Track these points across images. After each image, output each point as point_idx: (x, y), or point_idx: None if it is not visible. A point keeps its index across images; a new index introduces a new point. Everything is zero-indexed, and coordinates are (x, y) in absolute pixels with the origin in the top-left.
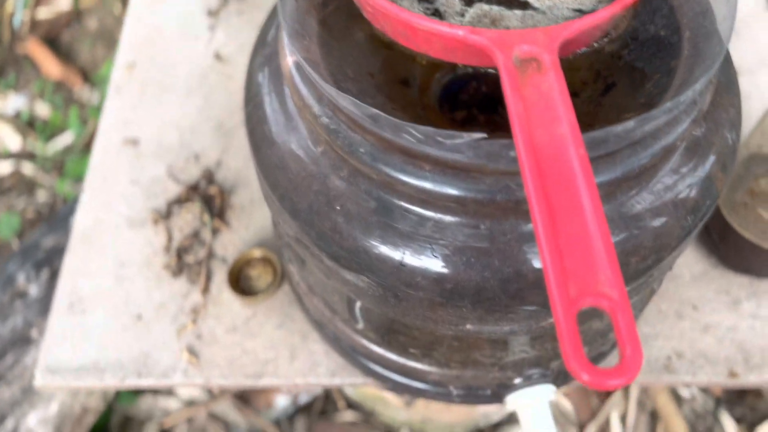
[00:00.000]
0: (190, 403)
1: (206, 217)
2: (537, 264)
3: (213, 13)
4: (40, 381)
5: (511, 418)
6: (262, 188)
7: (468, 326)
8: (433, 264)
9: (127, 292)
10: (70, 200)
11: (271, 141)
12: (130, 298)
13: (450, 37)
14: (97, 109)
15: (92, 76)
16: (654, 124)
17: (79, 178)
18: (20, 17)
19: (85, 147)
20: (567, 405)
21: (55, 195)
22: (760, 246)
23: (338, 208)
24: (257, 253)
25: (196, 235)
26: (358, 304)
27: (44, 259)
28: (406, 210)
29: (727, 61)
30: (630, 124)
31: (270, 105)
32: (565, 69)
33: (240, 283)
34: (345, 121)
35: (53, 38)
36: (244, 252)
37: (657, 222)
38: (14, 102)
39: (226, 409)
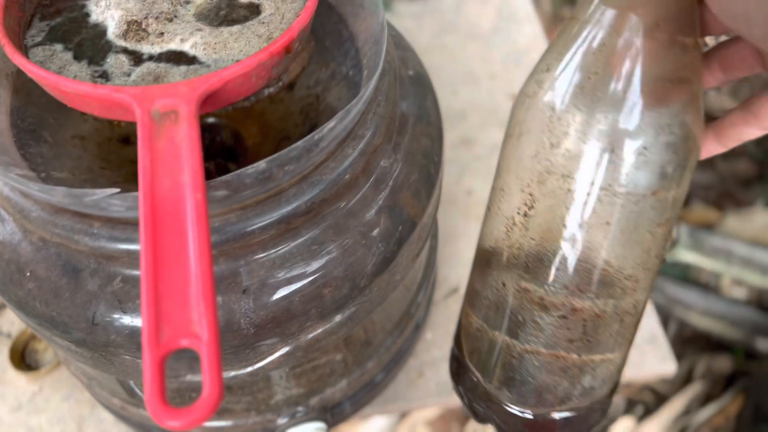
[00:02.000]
0: None
1: None
2: (234, 308)
3: None
4: None
5: None
6: None
7: (188, 377)
8: (125, 318)
9: None
10: None
11: None
12: None
13: (96, 96)
14: None
15: None
16: (294, 166)
17: None
18: None
19: None
20: None
21: None
22: None
23: (28, 275)
24: None
25: None
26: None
27: None
28: (93, 269)
29: (423, 88)
30: (261, 165)
31: None
32: (280, 115)
33: (26, 358)
34: (13, 188)
35: None
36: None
37: (345, 253)
38: None
39: None
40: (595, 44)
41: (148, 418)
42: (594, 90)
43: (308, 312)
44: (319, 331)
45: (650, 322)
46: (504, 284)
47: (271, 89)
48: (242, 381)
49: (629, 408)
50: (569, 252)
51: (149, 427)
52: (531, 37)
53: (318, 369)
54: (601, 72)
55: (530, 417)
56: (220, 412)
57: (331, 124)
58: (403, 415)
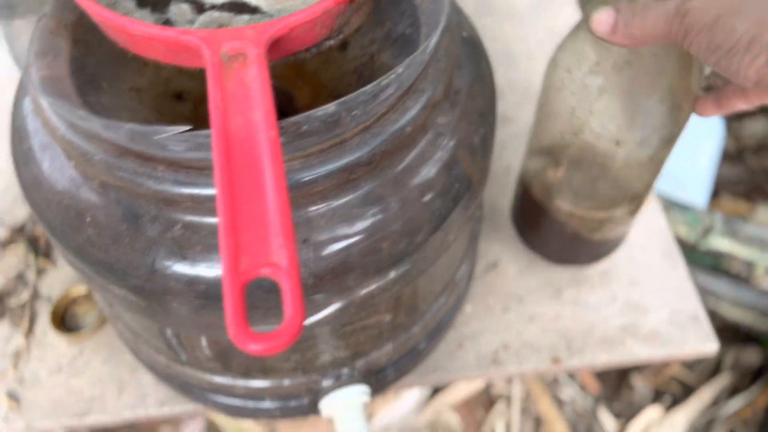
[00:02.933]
0: None
1: (31, 258)
2: None
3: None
4: None
5: None
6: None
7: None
8: (184, 266)
9: None
10: None
11: (29, 159)
12: None
13: (163, 38)
14: None
15: None
16: (362, 109)
17: None
18: None
19: None
20: (453, 419)
21: None
22: (565, 235)
23: (88, 220)
24: (82, 289)
25: (20, 277)
26: (147, 322)
27: None
28: (154, 216)
29: (477, 52)
30: (330, 107)
31: (30, 124)
32: (333, 75)
33: (66, 321)
34: (77, 130)
35: None
36: (69, 289)
37: (404, 207)
38: None
39: None
40: None
41: (192, 377)
42: None
43: (365, 266)
44: (374, 287)
45: (692, 302)
46: None
47: (332, 41)
48: (305, 334)
49: (656, 398)
50: None
51: (192, 386)
52: (568, 16)
53: (367, 330)
54: None
55: None
56: (266, 371)
57: (399, 70)
58: (431, 396)
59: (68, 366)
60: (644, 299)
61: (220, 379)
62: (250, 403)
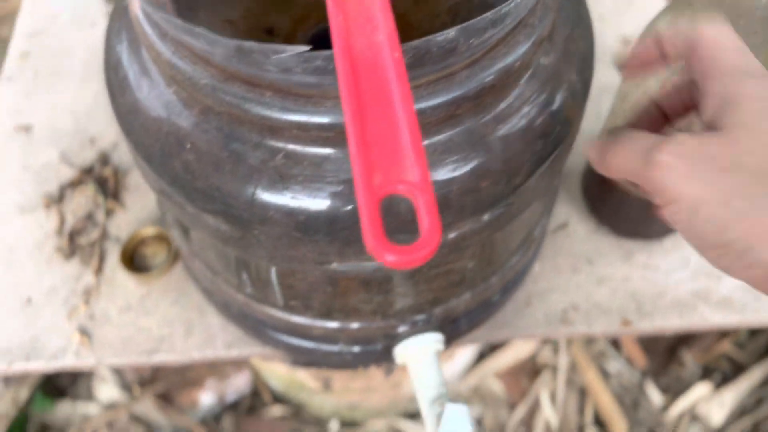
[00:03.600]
0: (111, 407)
1: (100, 199)
2: None
3: (110, 0)
4: None
5: None
6: (126, 142)
7: (334, 265)
8: (284, 196)
9: (15, 277)
10: None
11: (125, 87)
12: (19, 283)
13: None
14: None
15: None
16: (480, 38)
17: None
18: None
19: None
20: (498, 386)
21: None
22: (641, 206)
23: (188, 147)
24: (151, 231)
25: (89, 217)
26: (233, 257)
27: None
28: (255, 143)
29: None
30: (451, 33)
31: (124, 53)
32: (425, 15)
33: (134, 262)
34: (186, 53)
35: None
36: (138, 230)
37: (506, 146)
38: None
39: (148, 409)
40: None
41: (269, 316)
42: None
43: (463, 205)
44: (467, 228)
45: None
46: None
47: None
48: (383, 276)
49: (706, 375)
50: None
51: (266, 327)
52: None
53: (450, 275)
54: None
55: None
56: (347, 313)
57: (516, 1)
58: (475, 363)
59: (137, 305)
60: None
61: (298, 319)
62: (323, 347)
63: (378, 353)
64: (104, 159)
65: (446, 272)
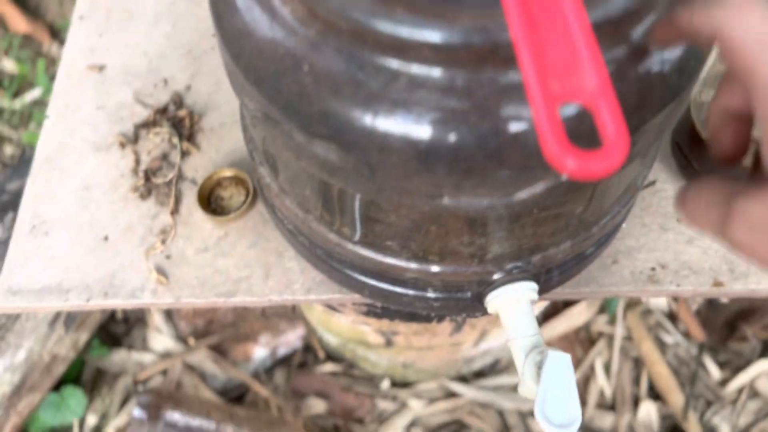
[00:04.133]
0: (165, 356)
1: (175, 140)
2: (517, 121)
3: None
4: (0, 303)
5: (493, 368)
6: (226, 67)
7: (445, 199)
8: (406, 123)
9: (92, 215)
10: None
11: (234, 10)
12: (95, 221)
13: None
14: None
15: (62, 31)
16: None
17: None
18: None
19: None
20: None
21: (24, 147)
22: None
23: (306, 68)
24: (228, 172)
25: (164, 158)
26: (334, 191)
27: (9, 201)
28: (378, 66)
29: None
30: None
31: None
32: None
33: (211, 203)
34: None
35: None
36: (216, 171)
37: (640, 77)
38: None
39: (202, 359)
40: None
41: (361, 258)
42: None
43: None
44: None
45: None
46: None
47: None
48: (493, 214)
49: (766, 351)
50: None
51: (355, 269)
52: None
53: (558, 219)
54: None
55: None
56: (444, 256)
57: None
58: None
59: (214, 246)
60: None
61: (391, 261)
62: (410, 292)
63: (467, 301)
64: (178, 101)
65: (555, 216)
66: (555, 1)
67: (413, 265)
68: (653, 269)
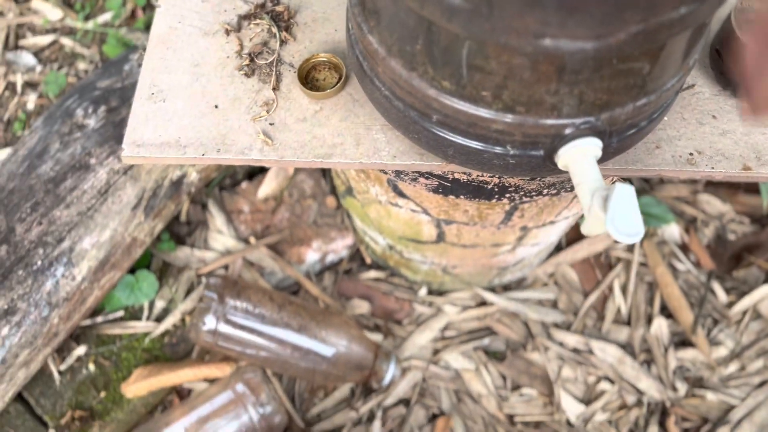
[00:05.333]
0: (226, 253)
1: (274, 30)
2: None
3: None
4: (127, 153)
5: (521, 284)
6: None
7: (547, 40)
8: None
9: (203, 87)
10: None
11: None
12: (206, 91)
13: None
14: None
15: None
16: None
17: (126, 45)
18: None
19: (124, 23)
20: (573, 274)
21: (96, 64)
22: None
23: None
24: (323, 57)
25: (265, 44)
26: (446, 41)
27: (100, 96)
28: None
29: None
30: None
31: None
32: None
33: (308, 83)
34: None
35: None
36: (313, 55)
37: None
38: None
39: (261, 257)
40: None
41: (456, 110)
42: None
43: None
44: (665, 18)
45: None
46: None
47: None
48: (585, 59)
49: None
50: None
51: (447, 125)
52: None
53: (628, 76)
54: None
55: None
56: (530, 105)
57: None
58: (554, 253)
59: (311, 117)
60: None
61: (483, 112)
62: (490, 148)
63: (540, 159)
64: None
65: (627, 70)
66: None
67: (501, 116)
68: (691, 154)
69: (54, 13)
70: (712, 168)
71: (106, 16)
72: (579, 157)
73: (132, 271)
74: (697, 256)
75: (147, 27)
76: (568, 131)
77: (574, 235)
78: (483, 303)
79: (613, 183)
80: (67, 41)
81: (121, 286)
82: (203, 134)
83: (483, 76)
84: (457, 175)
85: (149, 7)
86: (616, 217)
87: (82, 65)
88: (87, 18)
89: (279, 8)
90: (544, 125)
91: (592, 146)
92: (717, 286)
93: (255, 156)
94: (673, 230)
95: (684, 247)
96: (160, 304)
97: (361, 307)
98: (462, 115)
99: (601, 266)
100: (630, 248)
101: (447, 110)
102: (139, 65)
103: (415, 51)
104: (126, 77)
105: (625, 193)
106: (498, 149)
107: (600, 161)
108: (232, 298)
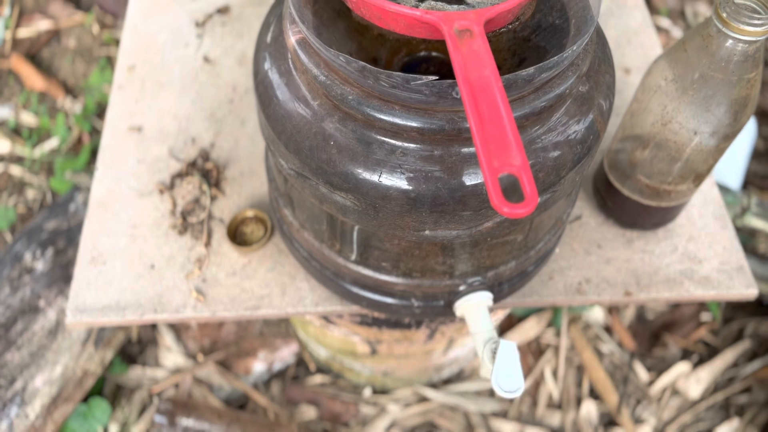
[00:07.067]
0: (176, 371)
1: (205, 187)
2: (474, 179)
3: (200, 25)
4: (71, 319)
5: (459, 376)
6: (268, 139)
7: (426, 231)
8: (401, 181)
9: (140, 248)
10: (65, 192)
11: (277, 100)
12: (143, 252)
13: (411, 16)
14: (82, 117)
15: (74, 88)
16: (547, 74)
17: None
18: (2, 36)
19: (71, 149)
20: None
21: (44, 192)
22: (641, 203)
23: (332, 143)
24: (250, 212)
25: (197, 201)
26: (344, 227)
27: (48, 239)
28: (381, 142)
29: (603, 41)
30: (530, 70)
31: (275, 75)
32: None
33: (236, 238)
34: (337, 77)
35: (34, 55)
36: (240, 212)
37: (555, 150)
38: (0, 112)
39: (210, 373)
40: None
41: (361, 276)
42: None
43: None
44: None
45: (738, 256)
46: None
47: (511, 25)
48: (460, 242)
49: (685, 356)
50: None
51: (356, 285)
52: (640, 20)
53: (505, 245)
54: None
55: None
56: (424, 273)
57: (573, 48)
58: None
59: (240, 271)
60: (699, 252)
61: (386, 278)
62: (398, 302)
63: (441, 308)
64: (205, 155)
65: (502, 243)
66: (495, 105)
67: (401, 281)
68: (580, 283)
69: (2, 145)
70: (599, 296)
71: (52, 143)
72: (473, 308)
73: (86, 398)
74: (620, 336)
75: (93, 153)
76: (461, 288)
77: (507, 324)
78: (425, 398)
79: (500, 337)
80: (15, 170)
81: (74, 416)
82: (141, 295)
83: (381, 252)
84: (377, 314)
85: (95, 132)
86: (499, 375)
87: (31, 194)
88: (35, 145)
89: (208, 165)
90: (439, 285)
91: (484, 299)
92: (638, 366)
93: (189, 314)
94: (597, 313)
95: (608, 328)
96: (114, 429)
97: (309, 412)
98: (369, 279)
99: (533, 352)
100: (558, 334)
101: (355, 275)
102: (85, 204)
103: (322, 230)
104: (71, 217)
105: (509, 350)
106: (404, 302)
107: (496, 301)
108: (184, 418)
